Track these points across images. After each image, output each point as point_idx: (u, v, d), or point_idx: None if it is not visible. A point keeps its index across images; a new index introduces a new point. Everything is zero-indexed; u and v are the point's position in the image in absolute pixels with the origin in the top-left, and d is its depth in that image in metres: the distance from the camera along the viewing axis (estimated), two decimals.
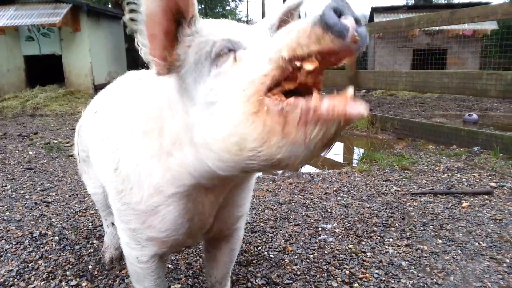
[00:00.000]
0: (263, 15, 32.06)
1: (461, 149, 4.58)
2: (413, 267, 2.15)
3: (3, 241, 2.53)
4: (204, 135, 0.94)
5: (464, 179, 3.55)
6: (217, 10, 20.96)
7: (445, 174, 3.72)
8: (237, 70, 0.89)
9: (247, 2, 39.68)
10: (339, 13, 0.76)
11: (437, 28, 11.95)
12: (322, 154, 0.86)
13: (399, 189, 3.38)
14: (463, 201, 3.06)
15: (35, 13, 10.58)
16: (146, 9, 0.91)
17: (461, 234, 2.50)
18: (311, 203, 3.09)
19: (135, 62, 16.44)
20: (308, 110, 0.79)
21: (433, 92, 5.82)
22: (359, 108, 0.78)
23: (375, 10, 14.27)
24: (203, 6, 20.21)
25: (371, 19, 14.77)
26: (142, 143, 1.14)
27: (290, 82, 0.83)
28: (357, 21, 0.78)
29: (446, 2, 30.32)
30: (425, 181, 3.57)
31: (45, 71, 11.84)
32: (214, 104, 0.91)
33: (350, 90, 0.80)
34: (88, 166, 1.95)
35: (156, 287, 1.41)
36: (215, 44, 0.94)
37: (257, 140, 0.84)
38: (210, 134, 0.92)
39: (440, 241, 2.42)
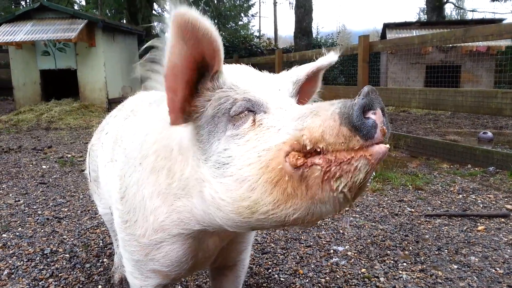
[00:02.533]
0: (275, 31, 32.29)
1: (476, 168, 4.50)
2: None
3: (14, 257, 2.54)
4: (214, 194, 0.92)
5: (479, 201, 3.48)
6: (229, 26, 21.19)
7: (460, 195, 3.65)
8: (255, 135, 0.88)
9: (260, 17, 40.12)
10: (368, 109, 0.75)
11: (450, 44, 11.90)
12: (349, 205, 0.85)
13: (412, 210, 3.33)
14: (478, 224, 2.99)
15: (51, 28, 10.80)
16: (169, 62, 0.87)
17: (477, 259, 2.44)
18: (323, 223, 3.05)
19: None
20: (330, 164, 0.77)
21: (447, 110, 5.75)
22: (383, 147, 0.77)
23: (387, 26, 14.26)
24: (216, 21, 20.40)
25: (383, 35, 14.77)
26: (150, 178, 1.13)
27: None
28: (383, 111, 0.77)
29: (459, 18, 30.27)
30: (439, 202, 3.51)
31: (60, 85, 12.04)
32: (226, 166, 0.89)
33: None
34: (98, 187, 1.96)
35: None
36: (235, 102, 0.92)
37: (271, 204, 0.82)
38: (220, 195, 0.90)
39: (455, 267, 2.36)
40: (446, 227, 2.94)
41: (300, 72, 1.13)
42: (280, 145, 0.82)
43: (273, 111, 0.91)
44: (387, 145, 0.78)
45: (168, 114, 0.95)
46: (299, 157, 0.80)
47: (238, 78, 0.98)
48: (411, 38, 5.91)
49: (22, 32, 10.72)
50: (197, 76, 0.94)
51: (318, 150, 0.79)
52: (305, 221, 0.85)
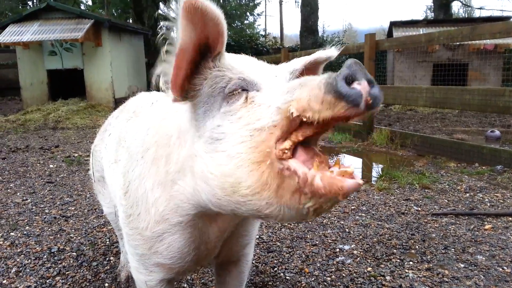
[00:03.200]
0: (281, 29, 32.24)
1: (484, 167, 4.47)
2: None
3: (22, 256, 2.56)
4: (204, 168, 0.95)
5: (486, 199, 3.46)
6: (235, 25, 21.17)
7: (467, 194, 3.63)
8: (247, 112, 0.90)
9: (265, 16, 40.05)
10: (351, 80, 0.77)
11: (457, 42, 11.82)
12: (311, 219, 0.90)
13: (419, 209, 3.31)
14: (485, 222, 2.97)
15: (58, 28, 10.87)
16: (181, 42, 0.91)
17: (483, 258, 2.42)
18: (329, 222, 3.05)
19: None
20: (305, 182, 0.80)
21: (454, 108, 5.71)
22: (357, 182, 0.80)
23: (394, 25, 14.18)
24: None
25: (390, 33, 14.69)
26: (151, 170, 1.15)
27: (299, 132, 0.84)
28: (370, 83, 0.79)
29: (466, 16, 30.04)
30: (446, 201, 3.49)
31: (67, 85, 12.11)
32: (219, 141, 0.92)
33: (351, 166, 0.82)
34: (103, 186, 1.97)
35: None
36: (230, 80, 0.95)
37: (250, 188, 0.86)
38: (209, 169, 0.93)
39: (462, 265, 2.35)
40: (453, 226, 2.92)
41: (297, 62, 1.15)
42: (272, 129, 0.85)
43: (265, 90, 0.94)
44: (360, 181, 0.80)
45: (170, 91, 0.98)
46: (286, 152, 0.83)
47: (236, 61, 1.01)
48: (418, 36, 5.89)
49: (29, 32, 10.81)
50: (199, 56, 0.97)
51: (305, 119, 0.81)
52: (277, 219, 0.89)
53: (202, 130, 0.97)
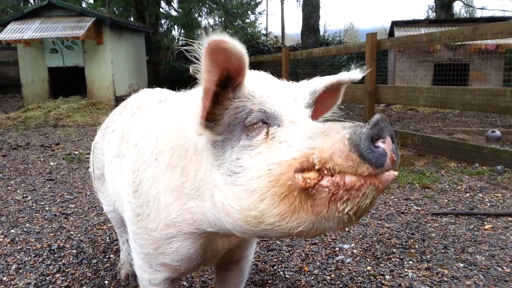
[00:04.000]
0: (282, 28, 32.21)
1: (484, 167, 4.47)
2: None
3: (22, 253, 2.56)
4: (224, 201, 0.94)
5: (486, 199, 3.46)
6: (236, 23, 21.13)
7: (467, 194, 3.63)
8: (267, 148, 0.90)
9: (267, 15, 40.02)
10: (376, 138, 0.78)
11: (459, 42, 11.80)
12: (352, 225, 0.89)
13: (419, 208, 3.31)
14: (485, 222, 2.97)
15: (59, 26, 10.87)
16: (205, 84, 0.89)
17: (483, 258, 2.42)
18: None
19: (156, 74, 16.73)
20: (337, 187, 0.80)
21: (455, 108, 5.71)
22: (392, 174, 0.80)
23: (395, 24, 14.16)
24: (222, 19, 20.39)
25: (391, 33, 14.67)
26: (165, 174, 1.14)
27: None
28: (392, 138, 0.80)
29: (468, 16, 30.01)
30: (446, 200, 3.49)
31: (68, 82, 12.12)
32: (237, 175, 0.92)
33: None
34: (103, 184, 1.97)
35: None
36: (250, 113, 0.94)
37: (278, 216, 0.86)
38: (229, 203, 0.93)
39: (462, 265, 2.35)
40: (452, 226, 2.92)
41: (318, 83, 1.14)
42: (290, 161, 0.85)
43: (286, 125, 0.93)
44: (396, 172, 0.81)
45: (197, 121, 0.95)
46: (309, 179, 0.82)
47: (255, 88, 0.98)
48: (419, 36, 5.87)
49: (30, 30, 10.81)
50: (221, 88, 0.95)
51: (326, 170, 0.81)
52: (309, 234, 0.88)
53: (220, 160, 0.97)
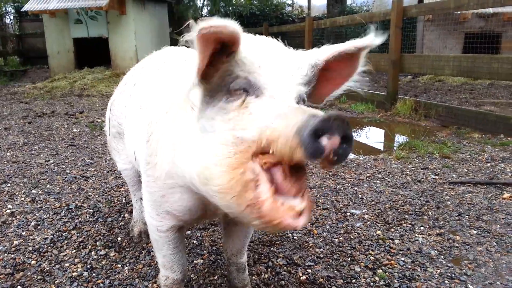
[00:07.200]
0: None
1: (509, 138, 4.31)
2: (442, 256, 2.06)
3: (41, 211, 2.66)
4: (191, 151, 1.03)
5: (508, 170, 3.35)
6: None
7: (488, 164, 3.53)
8: (237, 116, 0.94)
9: None
10: (322, 133, 0.79)
11: (491, 10, 11.24)
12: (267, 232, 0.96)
13: (437, 177, 3.25)
14: (504, 192, 2.89)
15: None
16: (198, 63, 0.92)
17: (498, 226, 2.37)
18: (342, 188, 3.03)
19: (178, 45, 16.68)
20: (256, 202, 0.87)
21: (482, 78, 5.50)
22: (294, 224, 0.86)
23: None
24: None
25: (420, 0, 14.11)
26: (169, 126, 1.19)
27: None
28: (346, 140, 0.82)
29: None
30: (466, 170, 3.40)
31: (93, 53, 12.24)
32: (208, 134, 0.97)
33: (300, 205, 0.87)
34: (118, 142, 2.01)
35: (173, 255, 1.50)
36: (236, 78, 0.97)
37: (219, 187, 0.92)
38: (194, 154, 1.01)
39: (475, 232, 2.31)
40: (469, 194, 2.86)
41: (321, 53, 1.08)
42: (251, 143, 0.89)
43: (264, 98, 0.95)
44: (300, 224, 0.87)
45: (192, 79, 0.98)
46: (260, 172, 0.88)
47: (249, 55, 0.98)
48: (447, 1, 5.61)
49: (55, 1, 10.89)
50: (216, 54, 0.96)
51: (270, 150, 0.86)
52: (240, 221, 0.97)
53: (201, 114, 1.01)
